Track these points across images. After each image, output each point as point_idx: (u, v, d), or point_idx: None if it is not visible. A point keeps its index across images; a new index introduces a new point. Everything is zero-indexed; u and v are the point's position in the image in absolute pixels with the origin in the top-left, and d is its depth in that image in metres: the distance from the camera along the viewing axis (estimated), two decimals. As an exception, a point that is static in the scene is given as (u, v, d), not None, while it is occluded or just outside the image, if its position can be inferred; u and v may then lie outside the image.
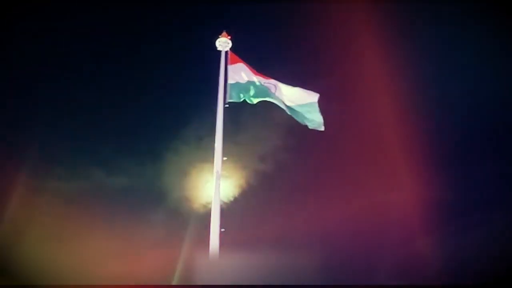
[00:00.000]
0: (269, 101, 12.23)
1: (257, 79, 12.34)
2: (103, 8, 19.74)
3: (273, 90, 12.07)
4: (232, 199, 15.72)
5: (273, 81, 12.25)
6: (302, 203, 19.55)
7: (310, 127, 12.00)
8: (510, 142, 19.11)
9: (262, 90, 12.20)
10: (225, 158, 10.49)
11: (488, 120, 20.57)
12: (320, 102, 12.22)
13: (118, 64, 21.01)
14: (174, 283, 15.83)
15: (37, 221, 17.66)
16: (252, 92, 12.19)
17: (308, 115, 11.94)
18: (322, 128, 12.00)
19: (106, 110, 21.40)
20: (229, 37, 12.89)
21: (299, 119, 12.02)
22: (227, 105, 11.55)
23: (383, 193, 19.92)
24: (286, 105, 11.92)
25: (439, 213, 18.77)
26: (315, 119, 11.95)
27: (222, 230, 9.15)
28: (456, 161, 20.73)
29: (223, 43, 12.76)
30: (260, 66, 12.75)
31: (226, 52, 12.67)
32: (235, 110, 12.37)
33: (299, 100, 12.08)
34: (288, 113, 12.00)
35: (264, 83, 12.18)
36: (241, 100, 12.05)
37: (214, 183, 10.02)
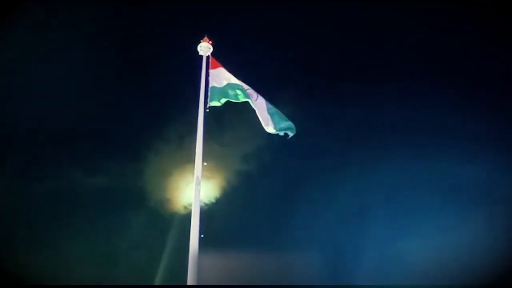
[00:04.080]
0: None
1: (239, 82, 12.47)
2: (87, 12, 19.64)
3: (253, 99, 12.20)
4: (213, 201, 15.87)
5: (253, 92, 12.38)
6: (283, 204, 19.81)
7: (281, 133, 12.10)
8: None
9: (244, 92, 12.31)
10: (205, 164, 10.57)
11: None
12: (302, 104, 12.40)
13: (100, 66, 20.83)
14: (155, 283, 15.92)
15: (13, 222, 17.43)
16: (233, 92, 12.28)
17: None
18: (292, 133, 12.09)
19: (88, 109, 21.27)
20: (211, 42, 12.99)
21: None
22: (208, 110, 11.65)
23: (374, 192, 20.31)
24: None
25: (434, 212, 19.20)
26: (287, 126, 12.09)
27: (202, 236, 9.26)
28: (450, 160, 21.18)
29: (205, 48, 12.85)
30: (241, 71, 12.94)
31: (208, 57, 12.76)
32: (217, 113, 12.51)
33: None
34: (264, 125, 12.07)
35: (246, 89, 12.31)
36: (222, 104, 12.17)
37: (194, 188, 10.07)
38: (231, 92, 12.26)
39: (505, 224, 16.49)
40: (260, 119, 11.94)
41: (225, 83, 12.42)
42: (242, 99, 12.22)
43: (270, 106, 12.13)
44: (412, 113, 22.80)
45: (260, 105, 12.01)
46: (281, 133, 11.86)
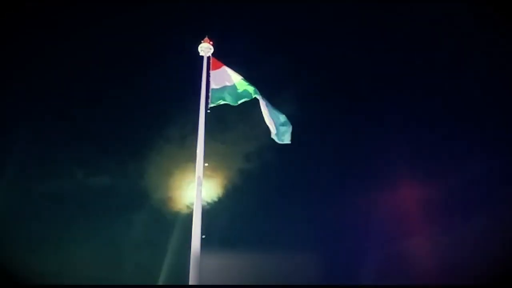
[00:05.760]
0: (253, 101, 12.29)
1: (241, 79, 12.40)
2: (90, 14, 19.70)
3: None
4: (215, 201, 15.90)
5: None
6: (284, 205, 19.84)
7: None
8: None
9: (247, 91, 12.28)
10: (206, 164, 10.56)
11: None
12: (302, 104, 12.31)
13: (101, 67, 20.92)
14: (157, 283, 15.95)
15: (15, 223, 17.46)
16: (235, 94, 12.26)
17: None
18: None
19: (89, 110, 21.34)
20: (211, 42, 12.91)
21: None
22: (209, 111, 11.64)
23: (375, 192, 20.31)
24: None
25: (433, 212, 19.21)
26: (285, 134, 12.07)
27: (203, 236, 9.26)
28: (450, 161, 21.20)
29: (205, 49, 12.74)
30: (241, 71, 12.88)
31: (208, 57, 12.66)
32: (218, 113, 12.49)
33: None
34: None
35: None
36: (223, 103, 12.15)
37: (196, 189, 10.04)
38: (234, 93, 12.21)
39: (505, 225, 16.52)
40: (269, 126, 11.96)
41: (226, 84, 12.38)
42: (253, 95, 12.10)
43: (271, 109, 12.11)
44: (412, 111, 22.90)
45: (264, 112, 12.01)
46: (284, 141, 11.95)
